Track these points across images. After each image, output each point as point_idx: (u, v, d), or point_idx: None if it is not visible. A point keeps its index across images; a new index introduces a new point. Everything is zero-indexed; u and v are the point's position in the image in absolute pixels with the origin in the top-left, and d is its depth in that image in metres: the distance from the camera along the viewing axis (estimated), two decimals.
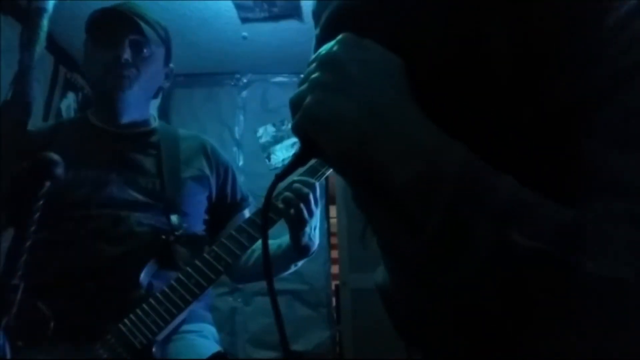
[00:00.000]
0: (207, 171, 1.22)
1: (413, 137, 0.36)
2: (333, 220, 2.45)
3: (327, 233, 2.43)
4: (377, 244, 0.45)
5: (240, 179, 2.51)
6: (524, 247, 0.31)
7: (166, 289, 0.96)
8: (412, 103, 0.38)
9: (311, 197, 1.05)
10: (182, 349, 1.02)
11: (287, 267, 1.18)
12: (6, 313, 0.56)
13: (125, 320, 0.92)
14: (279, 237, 1.18)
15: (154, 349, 0.91)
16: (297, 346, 2.21)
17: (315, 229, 1.10)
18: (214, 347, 1.11)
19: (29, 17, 0.63)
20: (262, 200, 0.45)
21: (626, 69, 0.35)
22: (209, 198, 1.22)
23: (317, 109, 0.39)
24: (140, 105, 1.21)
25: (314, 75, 0.40)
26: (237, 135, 2.61)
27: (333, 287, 2.41)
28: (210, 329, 1.17)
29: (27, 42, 0.61)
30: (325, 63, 0.40)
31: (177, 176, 1.15)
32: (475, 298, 0.34)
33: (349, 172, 0.40)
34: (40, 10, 0.63)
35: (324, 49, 0.42)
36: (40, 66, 0.64)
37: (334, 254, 2.39)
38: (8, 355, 0.59)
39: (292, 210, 1.04)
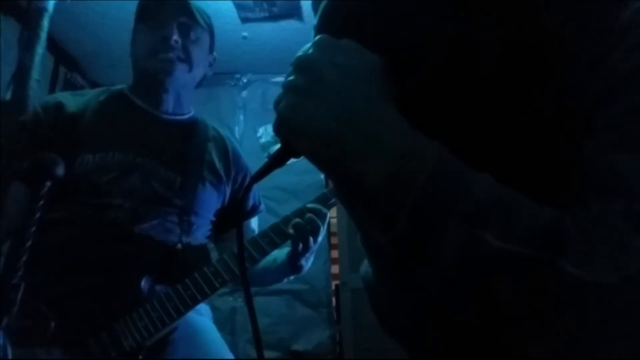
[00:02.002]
0: (225, 177, 1.23)
1: (384, 139, 0.36)
2: (333, 220, 2.44)
3: (327, 233, 2.43)
4: (360, 240, 0.46)
5: None
6: (497, 248, 0.31)
7: (163, 297, 0.97)
8: (385, 103, 0.38)
9: (321, 230, 1.06)
10: (181, 324, 1.03)
11: (280, 280, 1.20)
12: (6, 313, 0.56)
13: (121, 321, 0.94)
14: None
15: (140, 357, 0.92)
16: (297, 346, 2.21)
17: (313, 253, 1.12)
18: (208, 323, 1.14)
19: (29, 17, 0.63)
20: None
21: (631, 70, 0.34)
22: (222, 202, 1.22)
23: (289, 113, 0.39)
24: (184, 91, 1.22)
25: (289, 79, 0.41)
26: (237, 135, 2.61)
27: (333, 287, 2.40)
28: (205, 307, 1.19)
29: (27, 42, 0.61)
30: (300, 66, 0.41)
31: (198, 178, 1.15)
32: (446, 298, 0.35)
33: (325, 172, 0.41)
34: (41, 10, 0.63)
35: (301, 51, 0.42)
36: (41, 67, 0.64)
37: (334, 254, 2.39)
38: (8, 355, 0.59)
39: (299, 236, 1.04)
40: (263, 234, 1.05)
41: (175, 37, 1.11)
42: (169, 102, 1.19)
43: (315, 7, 0.48)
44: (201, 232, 1.15)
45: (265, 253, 1.05)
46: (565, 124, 0.37)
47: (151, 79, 1.14)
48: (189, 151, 1.16)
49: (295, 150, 0.41)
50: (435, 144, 0.36)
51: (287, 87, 0.41)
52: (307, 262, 1.13)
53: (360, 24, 0.43)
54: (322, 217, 1.06)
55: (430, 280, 0.35)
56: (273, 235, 1.05)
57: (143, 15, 1.16)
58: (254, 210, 1.28)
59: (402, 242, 0.35)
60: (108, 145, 1.07)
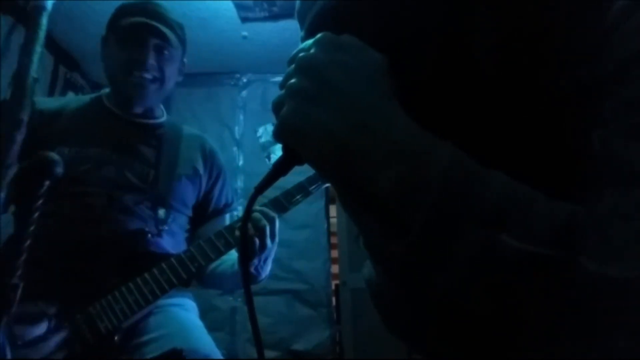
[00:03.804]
0: (201, 171, 1.27)
1: (394, 141, 0.34)
2: (333, 220, 2.44)
3: (327, 233, 2.43)
4: (363, 244, 0.45)
5: (240, 178, 2.52)
6: (515, 249, 0.30)
7: (139, 280, 1.00)
8: (393, 104, 0.36)
9: (267, 230, 1.05)
10: (165, 321, 1.05)
11: (235, 288, 1.22)
12: (6, 313, 0.56)
13: (96, 304, 0.96)
14: None
15: (116, 337, 0.95)
16: (297, 346, 2.21)
17: (265, 260, 1.11)
18: (195, 320, 1.15)
19: (28, 16, 0.63)
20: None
21: (632, 56, 0.34)
22: (197, 196, 1.26)
23: (295, 118, 0.37)
24: (156, 103, 1.27)
25: (291, 81, 0.39)
26: (237, 135, 2.61)
27: (333, 287, 2.40)
28: (191, 303, 1.21)
29: (26, 41, 0.61)
30: (302, 68, 0.39)
31: (173, 171, 1.19)
32: (464, 301, 0.33)
33: (332, 179, 0.40)
34: (40, 9, 0.63)
35: (301, 49, 0.40)
36: (40, 66, 0.64)
37: (334, 253, 2.39)
38: (8, 355, 0.59)
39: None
40: (218, 234, 1.07)
41: (152, 60, 1.16)
42: (139, 110, 1.24)
43: (301, 14, 0.47)
44: (176, 225, 1.18)
45: (220, 253, 1.06)
46: (572, 115, 0.36)
47: (124, 95, 1.19)
48: (161, 149, 1.21)
49: (300, 157, 0.39)
50: (448, 144, 0.34)
51: (290, 90, 0.38)
52: (260, 271, 1.11)
53: (359, 22, 0.41)
54: (269, 219, 1.06)
55: (445, 285, 0.33)
56: (228, 236, 1.07)
57: (118, 33, 1.18)
58: (226, 207, 1.32)
59: (417, 248, 0.33)
60: (83, 141, 1.12)
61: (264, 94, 2.68)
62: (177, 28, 1.24)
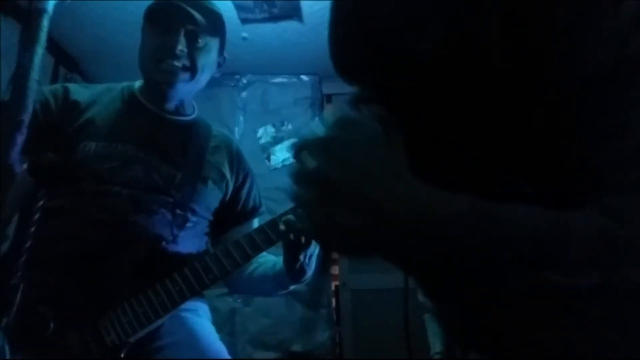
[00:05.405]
0: (228, 175, 1.22)
1: (417, 221, 0.35)
2: None
3: None
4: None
5: None
6: (562, 285, 0.30)
7: (149, 292, 0.94)
8: (404, 177, 0.38)
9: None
10: (176, 328, 1.01)
11: (279, 289, 1.15)
12: (6, 313, 0.56)
13: (104, 315, 0.91)
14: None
15: (122, 354, 0.89)
16: (297, 347, 2.21)
17: (311, 257, 1.05)
18: (208, 326, 1.11)
19: (29, 17, 0.63)
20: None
21: (615, 63, 0.34)
22: (222, 200, 1.21)
23: (322, 228, 0.40)
24: (188, 96, 1.22)
25: (300, 193, 0.40)
26: (237, 136, 2.61)
27: (333, 288, 2.40)
28: (204, 308, 1.17)
29: (27, 43, 0.61)
30: (309, 180, 0.40)
31: (199, 175, 1.14)
32: (522, 341, 0.33)
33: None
34: (41, 11, 0.63)
35: (303, 156, 0.41)
36: (41, 67, 0.64)
37: (334, 254, 2.39)
38: (7, 356, 0.59)
39: (290, 235, 1.00)
40: (259, 229, 1.02)
41: (181, 46, 1.10)
42: (171, 106, 1.20)
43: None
44: (197, 230, 1.14)
45: (259, 250, 1.01)
46: (565, 118, 0.36)
47: (155, 86, 1.15)
48: (189, 150, 1.16)
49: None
50: (466, 198, 0.35)
51: (303, 203, 0.41)
52: (306, 269, 1.05)
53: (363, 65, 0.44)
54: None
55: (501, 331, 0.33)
56: (269, 232, 1.01)
57: (150, 18, 1.14)
58: (254, 212, 1.27)
59: (468, 307, 0.34)
60: (112, 137, 1.08)
61: (264, 95, 2.68)
62: (213, 16, 1.17)
